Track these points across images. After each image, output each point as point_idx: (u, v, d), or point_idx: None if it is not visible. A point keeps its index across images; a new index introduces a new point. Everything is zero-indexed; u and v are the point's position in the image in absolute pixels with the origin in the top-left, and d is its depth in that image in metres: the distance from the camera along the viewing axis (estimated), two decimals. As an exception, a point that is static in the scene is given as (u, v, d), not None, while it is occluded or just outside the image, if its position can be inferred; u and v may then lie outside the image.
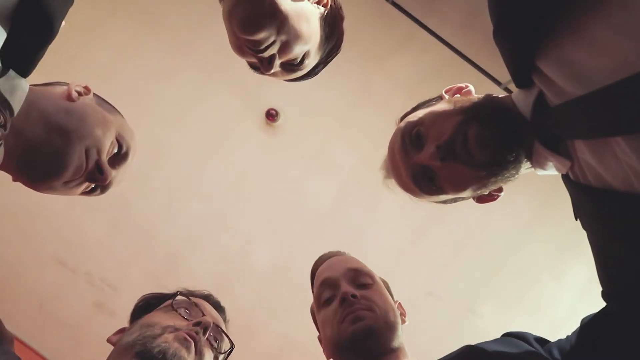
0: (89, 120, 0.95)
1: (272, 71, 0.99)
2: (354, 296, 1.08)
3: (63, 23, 0.89)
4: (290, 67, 1.03)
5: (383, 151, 1.13)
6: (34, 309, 2.81)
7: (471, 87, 1.03)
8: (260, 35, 0.91)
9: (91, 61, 2.59)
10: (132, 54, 2.63)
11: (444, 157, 0.89)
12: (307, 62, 1.04)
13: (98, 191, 1.04)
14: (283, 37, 0.94)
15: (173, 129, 2.72)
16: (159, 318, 0.95)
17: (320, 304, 1.16)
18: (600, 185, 0.74)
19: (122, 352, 0.89)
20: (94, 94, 1.04)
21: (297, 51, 0.98)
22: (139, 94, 2.61)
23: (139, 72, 2.65)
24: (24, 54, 0.84)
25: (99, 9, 2.55)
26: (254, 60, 0.99)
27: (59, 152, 0.90)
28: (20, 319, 2.75)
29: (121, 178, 1.05)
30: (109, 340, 0.97)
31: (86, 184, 0.99)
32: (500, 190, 1.02)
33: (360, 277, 1.15)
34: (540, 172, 0.92)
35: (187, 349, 0.88)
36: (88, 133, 0.93)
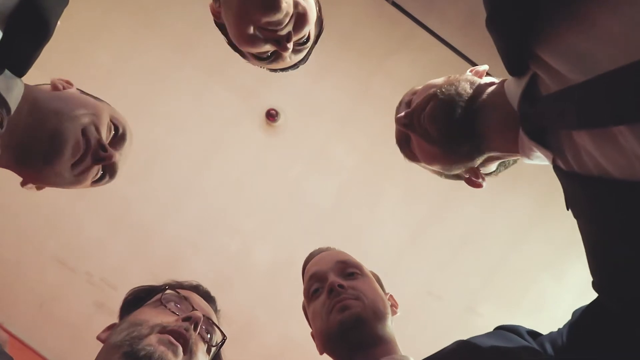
0: (80, 102, 0.98)
1: (290, 50, 1.01)
2: (341, 286, 1.08)
3: (58, 23, 0.89)
4: (297, 47, 1.05)
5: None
6: (34, 309, 2.81)
7: (480, 68, 1.05)
8: (283, 13, 0.92)
9: (91, 61, 2.59)
10: (132, 54, 2.63)
11: (405, 123, 1.00)
12: (309, 43, 1.08)
13: (107, 177, 1.05)
14: (300, 9, 0.97)
15: (173, 129, 2.72)
16: (147, 315, 0.94)
17: (309, 297, 1.17)
18: (599, 172, 0.72)
19: (110, 351, 0.88)
20: (78, 89, 1.06)
21: (307, 28, 1.01)
22: (139, 94, 2.61)
23: (139, 72, 2.65)
24: (19, 55, 0.85)
25: (99, 9, 2.55)
26: (265, 49, 1.00)
27: (55, 131, 0.91)
28: (20, 319, 2.75)
29: (125, 160, 1.07)
30: (98, 338, 0.96)
31: (95, 169, 1.00)
32: (477, 176, 1.06)
33: (348, 269, 1.17)
34: (527, 161, 0.92)
35: (174, 352, 0.86)
36: (81, 113, 0.95)
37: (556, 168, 0.84)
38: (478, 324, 2.92)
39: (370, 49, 2.61)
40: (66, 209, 2.73)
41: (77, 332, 2.80)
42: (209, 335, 1.00)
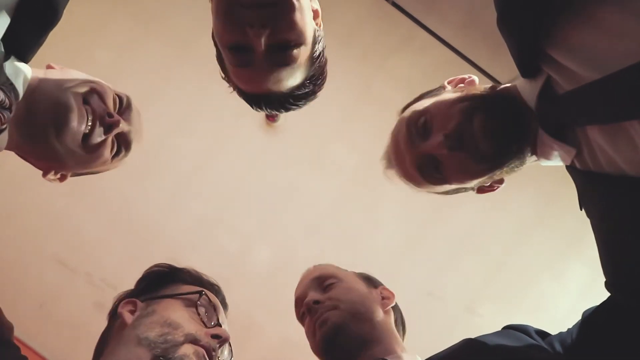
0: (82, 75, 0.99)
1: (263, 40, 0.85)
2: (316, 302, 1.10)
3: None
4: (277, 55, 0.89)
5: (383, 151, 1.13)
6: (34, 309, 2.80)
7: (475, 78, 1.03)
8: None
9: (91, 61, 2.59)
10: (132, 54, 2.63)
11: (452, 146, 0.89)
12: (295, 63, 0.92)
13: (123, 151, 1.05)
14: (284, 1, 0.84)
15: (173, 129, 2.72)
16: (181, 318, 0.92)
17: (301, 322, 1.19)
18: (613, 170, 0.73)
19: (136, 344, 0.86)
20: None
21: (293, 30, 0.87)
22: (139, 94, 2.59)
23: (139, 72, 2.64)
24: (26, 40, 0.85)
25: (99, 8, 2.55)
26: (239, 36, 0.88)
27: (57, 102, 0.91)
28: (20, 319, 2.73)
29: (138, 134, 1.09)
30: (120, 314, 0.94)
31: (109, 142, 0.99)
32: (501, 181, 1.02)
33: (323, 282, 1.17)
34: (544, 162, 0.92)
35: None
36: (80, 82, 0.96)
37: (570, 168, 0.84)
38: (478, 325, 2.91)
39: (370, 49, 2.61)
40: (66, 209, 2.73)
41: (77, 332, 2.80)
42: (221, 350, 0.98)
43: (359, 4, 2.52)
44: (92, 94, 0.96)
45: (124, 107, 1.05)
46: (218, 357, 0.96)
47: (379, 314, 1.10)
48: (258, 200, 2.82)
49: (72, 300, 2.82)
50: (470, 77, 1.03)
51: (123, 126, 1.00)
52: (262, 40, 0.85)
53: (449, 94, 0.98)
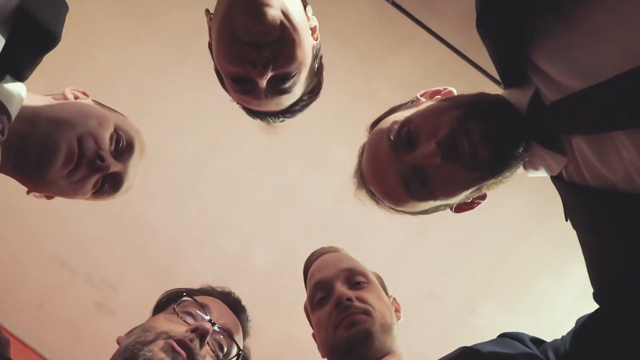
0: (82, 112, 0.97)
1: (265, 79, 0.89)
2: (348, 299, 1.06)
3: None
4: (278, 86, 0.93)
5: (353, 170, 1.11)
6: (34, 309, 2.80)
7: (452, 89, 0.99)
8: (267, 21, 0.82)
9: (91, 61, 2.59)
10: (132, 54, 2.63)
11: (445, 155, 0.82)
12: (295, 87, 0.95)
13: (107, 188, 1.03)
14: (287, 34, 0.86)
15: (173, 128, 2.72)
16: (160, 322, 0.92)
17: (313, 305, 1.15)
18: (598, 183, 0.72)
19: (118, 355, 0.87)
20: (94, 100, 1.05)
21: (294, 64, 0.90)
22: (139, 94, 2.61)
23: (139, 72, 2.64)
24: (22, 60, 0.84)
25: (99, 9, 2.55)
26: (241, 69, 0.90)
27: (48, 138, 0.90)
28: (20, 319, 2.74)
29: (134, 174, 1.08)
30: (117, 341, 0.95)
31: (93, 179, 0.98)
32: (483, 197, 0.98)
33: (354, 277, 1.13)
34: (531, 173, 0.91)
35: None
36: (81, 122, 0.94)
37: (555, 179, 0.83)
38: (478, 325, 2.91)
39: (370, 49, 2.61)
40: (66, 209, 2.73)
41: (77, 332, 2.80)
42: (221, 349, 0.94)
43: (358, 4, 2.51)
44: (88, 137, 0.95)
45: (123, 148, 1.02)
46: (217, 354, 0.92)
47: (396, 326, 1.08)
48: (258, 200, 2.82)
49: (72, 300, 2.82)
50: (446, 88, 0.99)
51: (113, 167, 0.98)
52: (267, 72, 0.88)
53: (432, 103, 0.92)
